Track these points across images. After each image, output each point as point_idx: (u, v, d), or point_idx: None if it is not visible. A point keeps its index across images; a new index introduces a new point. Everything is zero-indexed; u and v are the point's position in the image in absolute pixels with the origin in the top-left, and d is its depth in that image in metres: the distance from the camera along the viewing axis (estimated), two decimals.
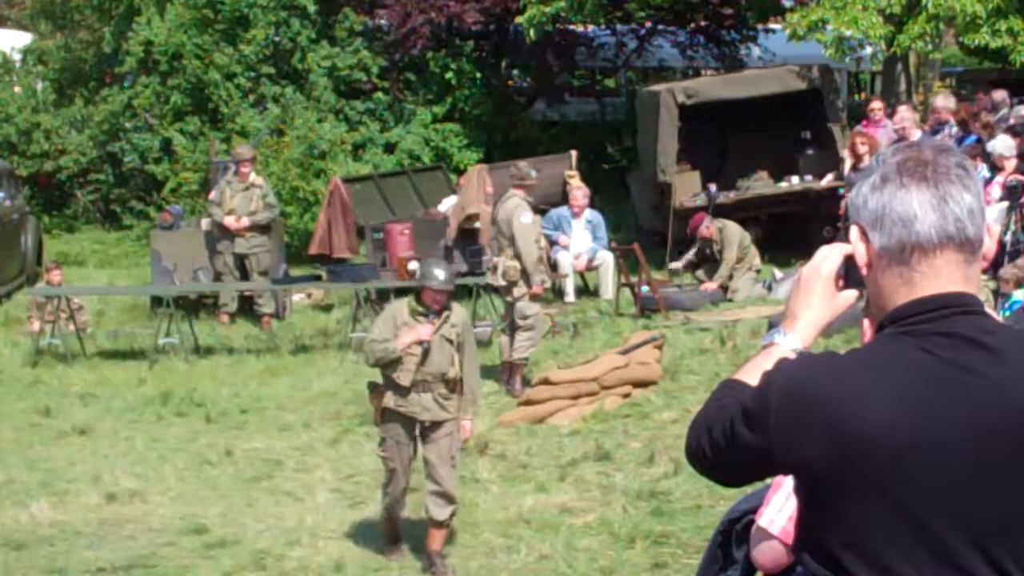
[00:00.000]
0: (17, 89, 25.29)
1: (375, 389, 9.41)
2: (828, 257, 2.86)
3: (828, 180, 18.63)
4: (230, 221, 17.22)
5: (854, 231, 2.80)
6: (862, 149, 15.88)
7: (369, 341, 9.32)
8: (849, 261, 2.83)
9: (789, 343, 2.86)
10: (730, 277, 16.88)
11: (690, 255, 17.65)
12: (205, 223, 18.05)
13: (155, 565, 9.55)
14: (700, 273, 17.46)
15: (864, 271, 2.80)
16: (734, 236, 17.05)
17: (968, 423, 2.63)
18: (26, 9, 31.52)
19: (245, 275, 17.41)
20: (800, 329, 2.87)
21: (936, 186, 2.70)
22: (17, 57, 26.09)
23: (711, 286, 16.83)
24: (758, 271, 17.26)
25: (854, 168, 15.93)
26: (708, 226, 17.18)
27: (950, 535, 2.63)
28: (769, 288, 16.78)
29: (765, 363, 2.80)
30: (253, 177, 17.60)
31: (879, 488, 2.64)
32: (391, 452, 9.35)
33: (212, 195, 17.86)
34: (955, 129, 16.56)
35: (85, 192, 25.20)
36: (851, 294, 2.87)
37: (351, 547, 9.70)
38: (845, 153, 17.28)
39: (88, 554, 9.78)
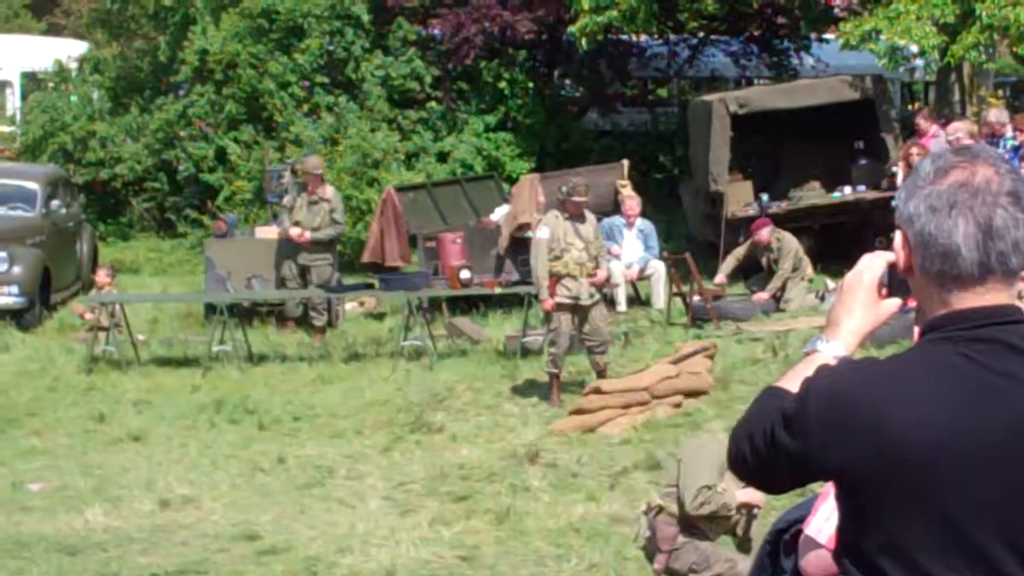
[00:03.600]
0: (73, 98, 25.48)
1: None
2: (871, 265, 2.88)
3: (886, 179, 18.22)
4: (294, 233, 17.26)
5: (898, 237, 2.80)
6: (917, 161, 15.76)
7: (701, 488, 7.94)
8: (893, 269, 2.84)
9: (831, 350, 2.87)
10: (783, 288, 16.84)
11: (727, 267, 17.52)
12: (276, 227, 18.10)
13: (207, 571, 9.59)
14: (752, 280, 17.43)
15: (903, 274, 2.81)
16: (791, 248, 17.00)
17: (1006, 427, 2.63)
18: (82, 18, 31.86)
19: (308, 285, 17.43)
20: (842, 336, 2.89)
21: (983, 219, 2.69)
22: (73, 66, 26.29)
23: (763, 296, 16.79)
24: (810, 281, 17.20)
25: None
26: (769, 234, 17.08)
27: (987, 539, 2.63)
28: (822, 298, 16.70)
29: (806, 370, 2.81)
30: (323, 190, 17.58)
31: (917, 492, 2.64)
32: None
33: (286, 200, 17.84)
34: (1011, 143, 16.44)
35: (140, 200, 25.35)
36: (894, 302, 2.87)
37: (402, 554, 9.71)
38: (899, 164, 17.19)
39: (141, 560, 9.83)
